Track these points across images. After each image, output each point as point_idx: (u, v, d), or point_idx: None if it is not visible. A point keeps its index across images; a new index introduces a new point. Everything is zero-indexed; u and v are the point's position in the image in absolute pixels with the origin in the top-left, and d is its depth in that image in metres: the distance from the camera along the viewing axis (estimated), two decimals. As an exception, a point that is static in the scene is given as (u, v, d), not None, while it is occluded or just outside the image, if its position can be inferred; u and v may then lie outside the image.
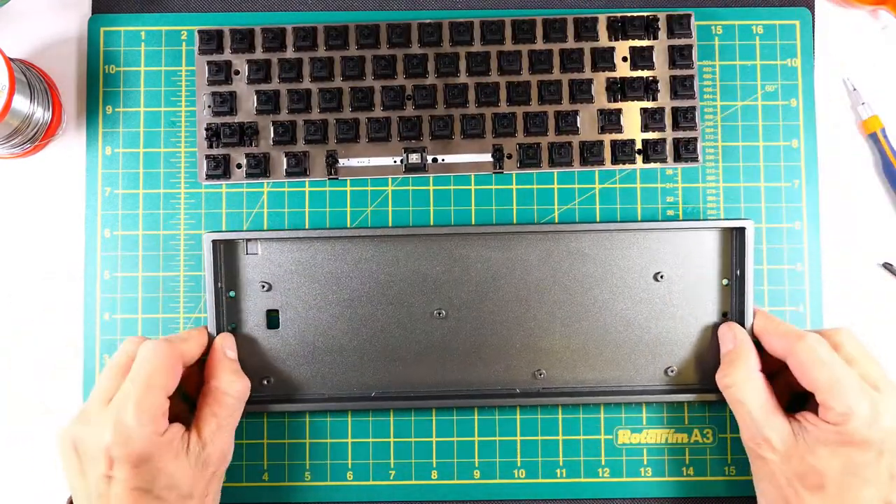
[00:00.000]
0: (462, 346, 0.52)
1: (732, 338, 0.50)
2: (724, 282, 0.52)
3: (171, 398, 0.46)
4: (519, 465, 0.53)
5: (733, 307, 0.52)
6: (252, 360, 0.52)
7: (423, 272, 0.52)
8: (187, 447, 0.45)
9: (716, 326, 0.52)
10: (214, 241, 0.50)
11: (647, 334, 0.52)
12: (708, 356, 0.52)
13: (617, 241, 0.52)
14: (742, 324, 0.51)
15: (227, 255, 0.52)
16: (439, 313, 0.52)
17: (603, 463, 0.53)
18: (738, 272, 0.51)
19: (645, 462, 0.53)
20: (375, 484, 0.53)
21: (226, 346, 0.50)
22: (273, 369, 0.52)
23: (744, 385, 0.47)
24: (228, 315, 0.52)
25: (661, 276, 0.52)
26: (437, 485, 0.52)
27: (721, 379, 0.49)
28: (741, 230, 0.51)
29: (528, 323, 0.52)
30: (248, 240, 0.52)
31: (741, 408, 0.47)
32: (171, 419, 0.45)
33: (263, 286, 0.52)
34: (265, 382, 0.52)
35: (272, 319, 0.52)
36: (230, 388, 0.48)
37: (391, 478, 0.53)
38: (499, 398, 0.52)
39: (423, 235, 0.52)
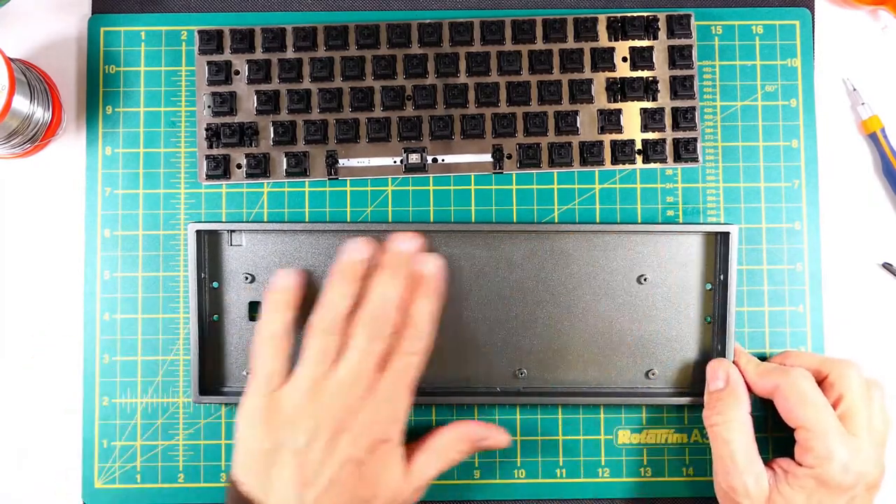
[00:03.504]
0: (443, 344, 0.52)
1: (725, 376, 0.49)
2: (708, 286, 0.52)
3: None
4: (519, 465, 0.53)
5: (716, 312, 0.52)
6: (234, 351, 0.52)
7: None
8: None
9: (698, 330, 0.52)
10: (198, 232, 0.51)
11: (630, 336, 0.52)
12: (690, 360, 0.52)
13: (601, 242, 0.52)
14: (724, 328, 0.51)
15: (211, 246, 0.52)
16: None
17: (603, 463, 0.53)
18: (722, 277, 0.51)
19: (645, 462, 0.53)
20: (375, 484, 0.52)
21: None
22: None
23: (732, 425, 0.47)
24: (211, 305, 0.52)
25: (645, 279, 0.52)
26: (436, 485, 0.52)
27: (711, 416, 0.49)
28: (725, 234, 0.51)
29: (511, 322, 0.52)
30: (233, 231, 0.52)
31: (725, 448, 0.47)
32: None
33: (247, 278, 0.52)
34: (245, 374, 0.52)
35: (255, 311, 0.52)
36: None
37: (391, 478, 0.52)
38: (479, 396, 0.52)
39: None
